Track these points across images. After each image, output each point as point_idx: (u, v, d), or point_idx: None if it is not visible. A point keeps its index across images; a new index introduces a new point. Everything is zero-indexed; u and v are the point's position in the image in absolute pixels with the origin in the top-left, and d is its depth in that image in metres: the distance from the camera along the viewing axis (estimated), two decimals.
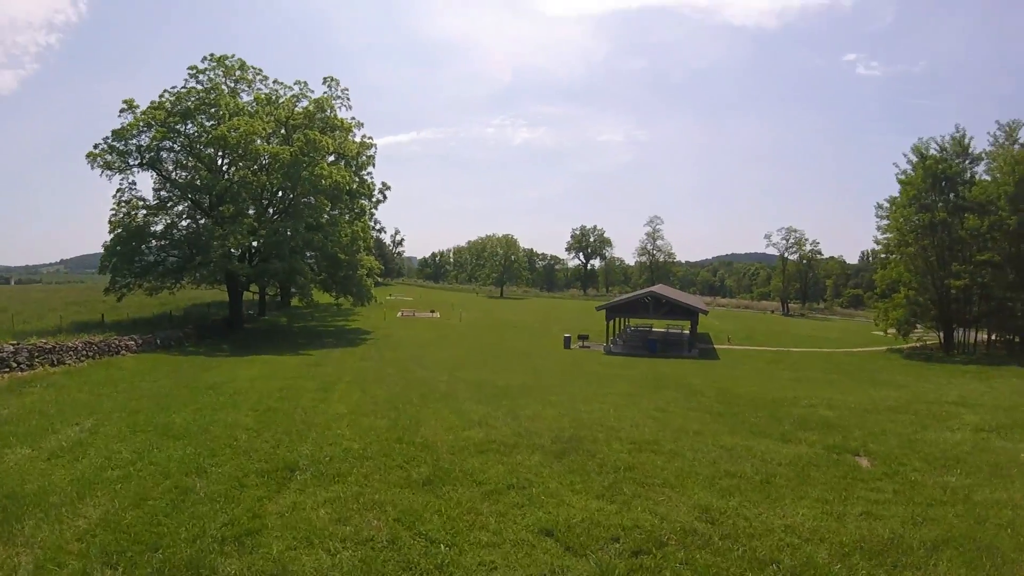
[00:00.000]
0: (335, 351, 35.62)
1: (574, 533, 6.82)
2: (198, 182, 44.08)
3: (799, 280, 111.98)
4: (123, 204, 42.84)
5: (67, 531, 6.77)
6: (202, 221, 44.22)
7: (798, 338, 56.18)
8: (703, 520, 7.32)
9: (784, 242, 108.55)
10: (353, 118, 56.21)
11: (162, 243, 44.06)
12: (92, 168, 41.33)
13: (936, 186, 45.91)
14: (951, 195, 45.92)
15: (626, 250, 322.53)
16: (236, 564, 5.98)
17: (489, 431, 11.65)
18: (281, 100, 52.03)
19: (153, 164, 43.53)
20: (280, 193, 48.33)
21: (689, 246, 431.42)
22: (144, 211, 43.65)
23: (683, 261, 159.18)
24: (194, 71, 46.11)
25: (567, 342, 46.06)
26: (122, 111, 42.55)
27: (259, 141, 44.86)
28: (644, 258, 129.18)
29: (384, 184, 66.56)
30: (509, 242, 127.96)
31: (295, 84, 53.26)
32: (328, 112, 51.80)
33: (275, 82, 52.77)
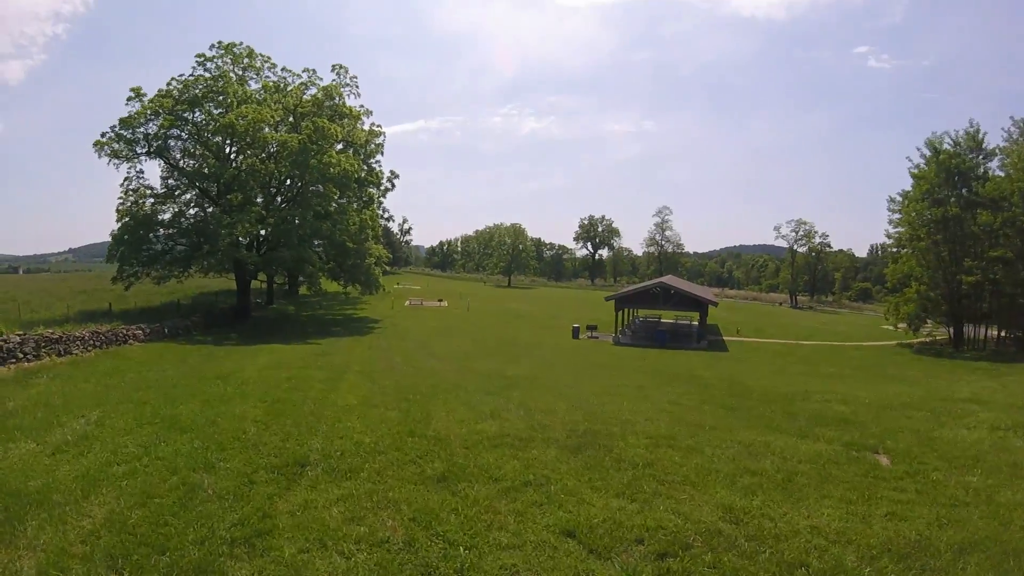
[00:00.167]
0: (343, 340, 35.48)
1: (597, 534, 6.56)
2: (206, 170, 43.97)
3: (808, 273, 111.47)
4: (131, 193, 42.80)
5: (71, 532, 6.51)
6: (210, 209, 44.09)
7: (807, 331, 55.96)
8: (727, 520, 7.08)
9: (793, 234, 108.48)
10: (362, 106, 55.97)
11: (170, 232, 44.01)
12: (99, 157, 41.28)
13: (949, 181, 45.54)
14: (964, 190, 45.48)
15: (634, 240, 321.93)
16: (247, 568, 5.71)
17: (502, 424, 11.38)
18: (289, 88, 51.81)
19: (161, 152, 43.41)
20: (288, 181, 48.18)
21: (697, 237, 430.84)
22: (152, 200, 43.64)
23: (691, 252, 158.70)
24: (202, 59, 45.91)
25: (575, 332, 45.82)
26: (129, 99, 42.38)
27: (267, 129, 44.66)
28: (652, 248, 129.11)
29: (392, 172, 66.39)
30: (517, 231, 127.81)
31: (303, 72, 53.16)
32: (337, 100, 51.58)
33: (283, 70, 52.60)
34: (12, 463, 8.89)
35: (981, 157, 45.72)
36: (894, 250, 52.62)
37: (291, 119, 49.16)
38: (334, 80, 53.33)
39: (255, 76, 50.10)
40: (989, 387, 22.22)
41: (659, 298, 48.26)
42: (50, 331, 22.55)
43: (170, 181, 45.47)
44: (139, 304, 38.94)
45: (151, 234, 42.71)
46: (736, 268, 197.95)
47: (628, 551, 6.24)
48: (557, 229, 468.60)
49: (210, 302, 47.41)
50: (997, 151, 45.27)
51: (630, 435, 10.97)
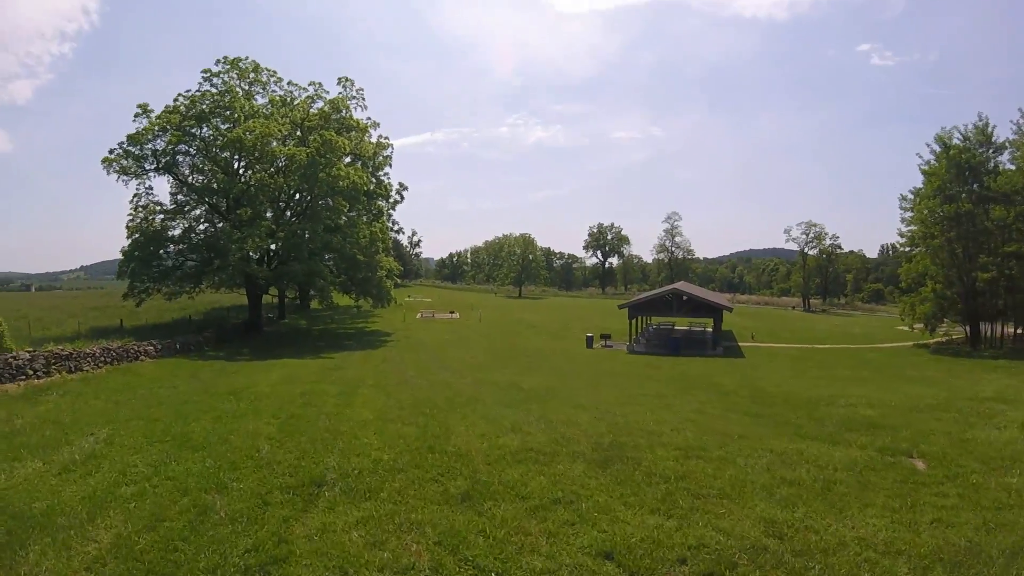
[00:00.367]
0: (356, 354, 35.18)
1: (635, 555, 6.17)
2: (215, 185, 43.95)
3: (819, 275, 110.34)
4: (140, 209, 42.82)
5: (75, 559, 6.14)
6: (220, 225, 44.05)
7: (822, 334, 55.31)
8: (771, 535, 6.74)
9: (804, 237, 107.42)
10: (369, 118, 55.80)
11: (180, 247, 44.00)
12: (108, 173, 41.33)
13: (960, 176, 44.97)
14: (975, 185, 44.92)
15: (644, 247, 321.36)
16: None
17: (524, 438, 10.96)
18: (296, 101, 51.85)
19: (169, 168, 43.44)
20: (297, 195, 48.07)
21: (707, 242, 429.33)
22: (161, 215, 43.65)
23: (701, 258, 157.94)
24: (208, 74, 46.00)
25: (589, 341, 45.31)
26: (137, 116, 42.50)
27: (275, 143, 44.57)
28: (663, 255, 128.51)
29: (401, 184, 66.14)
30: (527, 241, 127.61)
31: (310, 85, 53.10)
32: (344, 113, 51.46)
33: (289, 83, 52.65)
34: (17, 483, 8.59)
35: (991, 151, 45.14)
36: (907, 249, 51.76)
37: (298, 133, 49.11)
38: (340, 93, 53.29)
39: (261, 90, 50.21)
40: (1012, 385, 22.11)
41: (672, 305, 47.69)
42: (60, 348, 22.37)
43: (179, 197, 45.51)
44: (150, 320, 38.81)
45: (161, 250, 42.72)
46: (747, 273, 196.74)
47: (671, 573, 5.89)
48: (566, 238, 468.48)
49: (222, 317, 47.28)
50: (1007, 144, 44.64)
51: (658, 447, 10.60)
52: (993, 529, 6.92)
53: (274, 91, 51.31)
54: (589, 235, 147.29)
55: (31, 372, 19.85)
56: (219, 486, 8.16)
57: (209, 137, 43.41)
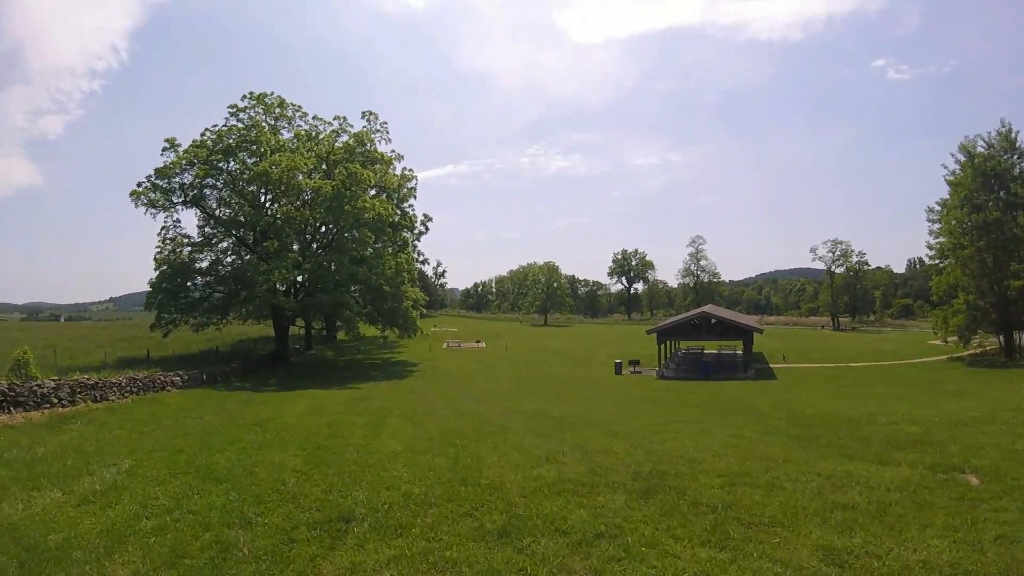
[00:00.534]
0: (382, 384, 34.96)
1: None
2: (241, 218, 44.46)
3: (847, 293, 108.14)
4: (168, 241, 43.42)
5: None
6: (247, 257, 44.49)
7: (854, 353, 54.24)
8: (831, 563, 6.21)
9: (831, 255, 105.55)
10: (393, 151, 56.42)
11: (207, 279, 44.48)
12: (136, 206, 42.11)
13: (987, 184, 44.58)
14: (1002, 192, 44.46)
15: (668, 272, 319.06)
16: None
17: (560, 468, 10.43)
18: (321, 136, 52.53)
19: (196, 201, 44.05)
20: (323, 227, 48.47)
21: (732, 265, 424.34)
22: (189, 248, 44.20)
23: (727, 280, 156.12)
24: (234, 109, 46.80)
25: (618, 368, 44.60)
26: (164, 150, 43.32)
27: (301, 176, 45.11)
28: (688, 279, 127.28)
29: (426, 216, 66.56)
30: (551, 269, 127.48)
31: (334, 119, 53.82)
32: (368, 146, 51.98)
33: (315, 118, 53.44)
34: (34, 513, 8.29)
35: (1016, 157, 44.66)
36: (937, 262, 51.46)
37: (324, 166, 49.69)
38: (365, 127, 53.92)
39: (287, 125, 50.99)
40: None
41: (701, 328, 47.03)
42: (86, 376, 22.38)
43: (206, 229, 46.14)
44: (177, 351, 39.00)
45: (189, 282, 43.22)
46: (774, 294, 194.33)
47: None
48: (590, 265, 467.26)
49: (248, 348, 47.47)
50: None
51: (701, 474, 10.00)
52: None
53: (299, 125, 52.12)
54: (613, 261, 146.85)
55: (56, 400, 19.78)
56: (243, 521, 7.76)
57: (236, 171, 44.03)
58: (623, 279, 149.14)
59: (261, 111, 48.33)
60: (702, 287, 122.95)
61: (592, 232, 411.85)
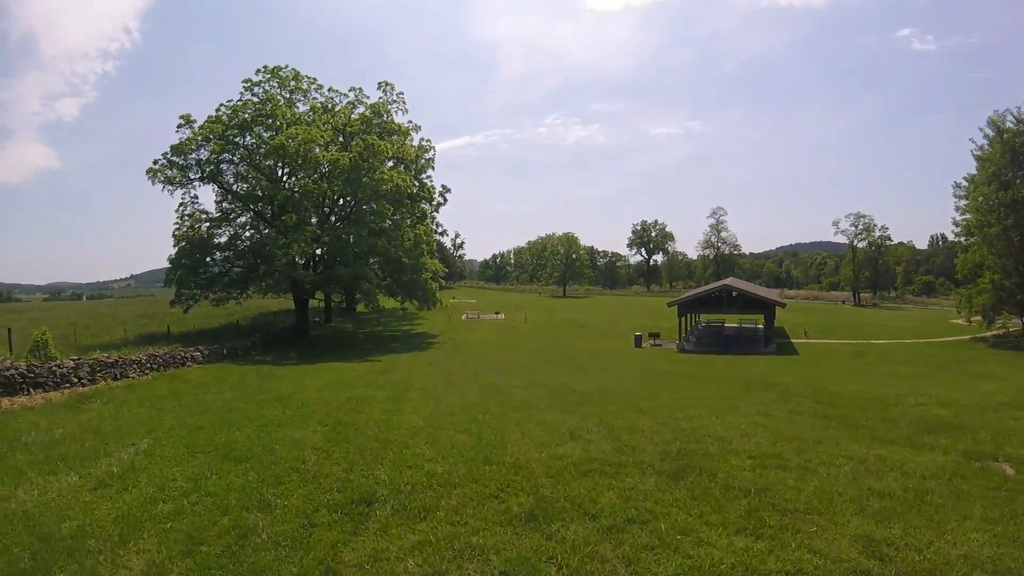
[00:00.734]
0: (403, 356, 34.85)
1: None
2: (259, 192, 44.22)
3: (869, 268, 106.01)
4: (186, 218, 43.37)
5: None
6: (265, 231, 44.36)
7: (875, 329, 53.29)
8: (871, 556, 5.91)
9: (853, 228, 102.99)
10: (410, 122, 55.74)
11: (226, 254, 44.42)
12: (153, 184, 41.91)
13: (1016, 161, 43.11)
14: None
15: (688, 244, 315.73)
16: None
17: (586, 447, 10.11)
18: (337, 108, 51.95)
19: (213, 177, 43.84)
20: (341, 200, 48.10)
21: (752, 237, 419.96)
22: (207, 223, 44.13)
23: (747, 253, 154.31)
24: (249, 84, 46.30)
25: (638, 341, 44.17)
26: (180, 126, 42.98)
27: (318, 149, 44.68)
28: (708, 251, 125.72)
29: (444, 187, 65.86)
30: (570, 240, 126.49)
31: (350, 91, 53.21)
32: (385, 117, 51.36)
33: (330, 90, 52.78)
34: (50, 500, 8.09)
35: None
36: (962, 239, 50.32)
37: (340, 138, 49.22)
38: (381, 98, 53.25)
39: (302, 98, 50.44)
40: None
41: (723, 301, 46.36)
42: (106, 355, 22.31)
43: (224, 205, 46.02)
44: (198, 326, 39.11)
45: (208, 257, 43.18)
46: (794, 267, 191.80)
47: None
48: (609, 236, 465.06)
49: (269, 322, 47.59)
50: None
51: (731, 455, 9.65)
52: None
53: (315, 98, 51.57)
54: (633, 232, 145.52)
55: (76, 380, 19.73)
56: (262, 503, 7.51)
57: (252, 145, 43.68)
58: (642, 250, 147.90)
59: (276, 85, 47.76)
60: (722, 259, 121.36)
61: (611, 203, 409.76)
